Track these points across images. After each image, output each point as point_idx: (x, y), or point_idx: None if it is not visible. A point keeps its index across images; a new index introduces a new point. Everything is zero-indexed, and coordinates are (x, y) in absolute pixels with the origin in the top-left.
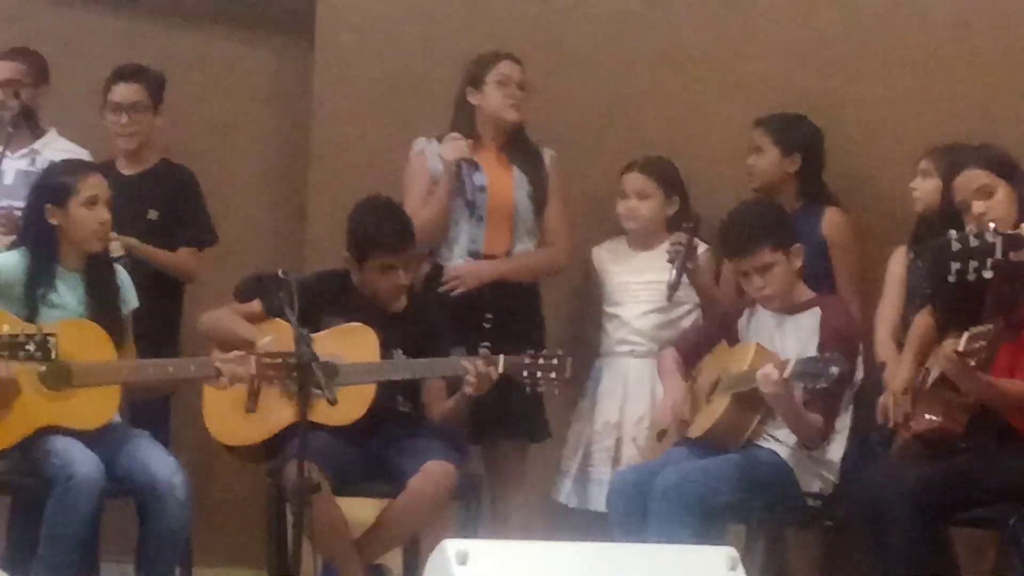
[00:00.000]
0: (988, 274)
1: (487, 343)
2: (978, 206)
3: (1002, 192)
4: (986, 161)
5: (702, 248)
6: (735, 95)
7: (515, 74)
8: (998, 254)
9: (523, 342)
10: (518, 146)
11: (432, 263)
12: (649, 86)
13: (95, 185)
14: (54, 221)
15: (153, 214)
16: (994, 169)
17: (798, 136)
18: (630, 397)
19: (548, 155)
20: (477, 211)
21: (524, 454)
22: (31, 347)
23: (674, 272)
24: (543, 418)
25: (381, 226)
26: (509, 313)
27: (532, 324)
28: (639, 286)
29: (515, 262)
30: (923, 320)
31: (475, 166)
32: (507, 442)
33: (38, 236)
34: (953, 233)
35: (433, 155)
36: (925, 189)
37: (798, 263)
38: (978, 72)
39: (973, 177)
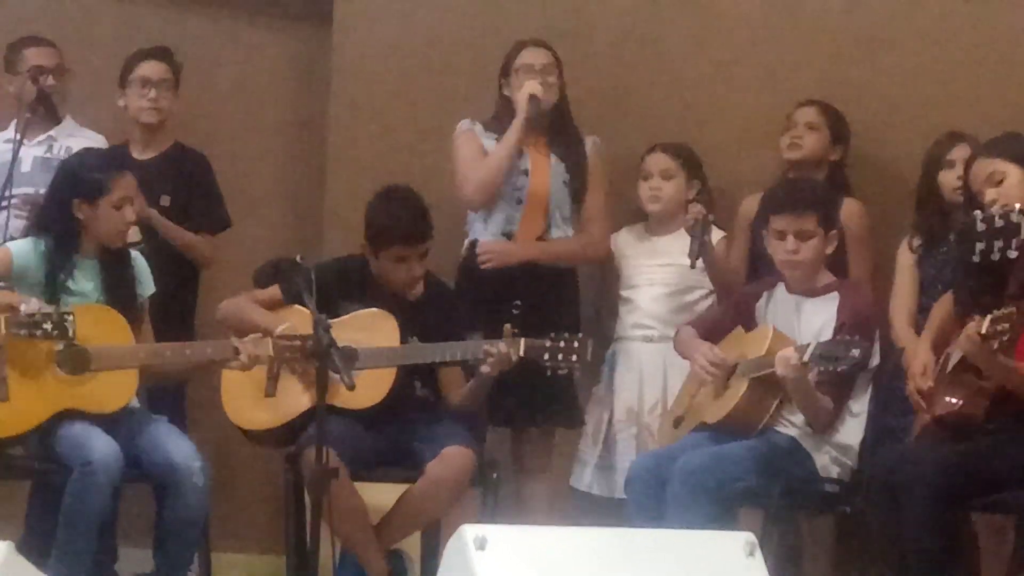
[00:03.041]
0: (1013, 254)
1: (508, 325)
2: (990, 194)
3: (1013, 176)
4: (994, 149)
5: (718, 235)
6: (755, 82)
7: (537, 60)
8: (1023, 234)
9: (557, 330)
10: (559, 133)
11: (471, 240)
12: (669, 73)
13: (127, 186)
14: (80, 215)
15: (165, 200)
16: (1003, 155)
17: (845, 130)
18: (645, 385)
19: (591, 142)
20: (517, 193)
21: (551, 441)
22: (48, 326)
23: (692, 244)
24: (576, 405)
25: (397, 218)
26: (542, 300)
27: (566, 311)
28: (653, 268)
29: (547, 246)
30: (942, 306)
31: (519, 151)
32: (536, 429)
33: (62, 227)
34: (978, 213)
35: (482, 133)
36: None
37: (830, 248)
38: (998, 60)
39: (983, 166)
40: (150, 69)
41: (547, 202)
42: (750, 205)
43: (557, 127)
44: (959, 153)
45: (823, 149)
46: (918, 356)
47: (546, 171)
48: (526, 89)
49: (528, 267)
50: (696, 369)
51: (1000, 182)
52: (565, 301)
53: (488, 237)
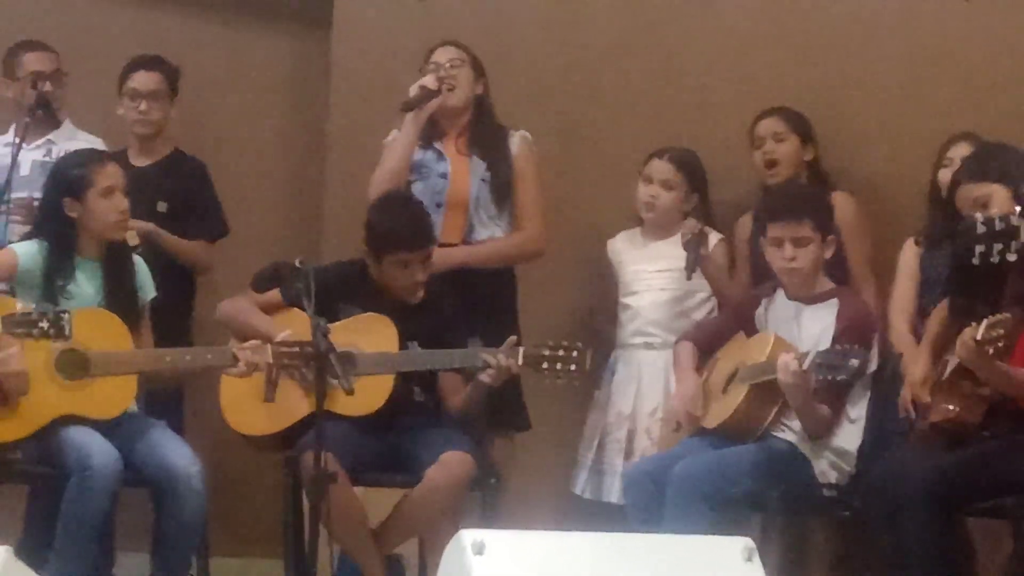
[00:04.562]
0: (1012, 257)
1: (513, 336)
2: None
3: (998, 196)
4: (976, 172)
5: (716, 237)
6: (744, 86)
7: (443, 57)
8: (1023, 237)
9: (492, 331)
10: (480, 131)
11: None
12: (659, 78)
13: (112, 174)
14: (72, 214)
15: (163, 206)
16: (986, 178)
17: (809, 127)
18: (644, 389)
19: (519, 138)
20: (436, 197)
21: (511, 447)
22: (44, 324)
23: (688, 258)
24: (523, 408)
25: (399, 224)
26: (476, 303)
27: (502, 314)
28: (652, 274)
29: (477, 250)
30: (940, 313)
31: (439, 154)
32: (494, 435)
33: (57, 229)
34: (979, 216)
35: None
36: None
37: (828, 254)
38: (988, 61)
39: (968, 191)
40: (140, 81)
41: (467, 204)
42: (745, 225)
43: (476, 125)
44: (957, 152)
45: (797, 155)
46: (919, 365)
47: (465, 172)
48: (419, 82)
49: (459, 271)
50: (671, 403)
51: (986, 205)
52: (501, 302)
53: None
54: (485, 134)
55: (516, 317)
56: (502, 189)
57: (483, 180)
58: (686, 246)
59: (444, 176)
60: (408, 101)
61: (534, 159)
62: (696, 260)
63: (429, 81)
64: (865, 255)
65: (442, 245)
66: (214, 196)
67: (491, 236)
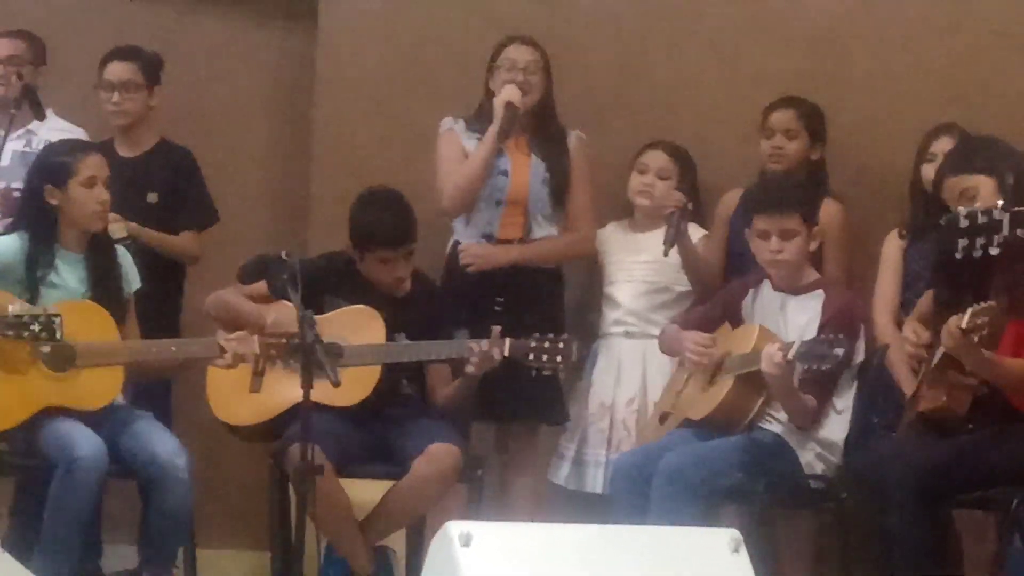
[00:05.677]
0: (995, 251)
1: (498, 327)
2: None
3: (985, 187)
4: (962, 165)
5: (700, 233)
6: (736, 80)
7: (521, 57)
8: (1005, 231)
9: (540, 328)
10: (540, 130)
11: (454, 241)
12: (651, 72)
13: (94, 165)
14: (53, 202)
15: (152, 196)
16: (971, 170)
17: (822, 126)
18: (622, 378)
19: (574, 137)
20: (497, 195)
21: (536, 436)
22: (36, 327)
23: (668, 231)
24: (560, 401)
25: (380, 221)
26: (525, 298)
27: (551, 310)
28: (634, 265)
29: (532, 248)
30: (927, 300)
31: (498, 150)
32: (519, 424)
33: (37, 217)
34: (962, 209)
35: (463, 132)
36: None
37: (815, 245)
38: (976, 55)
39: (954, 184)
40: (113, 72)
41: (527, 203)
42: (730, 200)
43: (539, 125)
44: (940, 146)
45: (803, 152)
46: (907, 323)
47: (526, 172)
48: (503, 96)
49: (511, 267)
50: (687, 355)
51: (973, 197)
52: (549, 299)
53: (469, 239)
54: (548, 135)
55: (564, 314)
56: (560, 190)
57: (543, 182)
58: (668, 218)
59: (505, 173)
60: (504, 129)
61: (587, 159)
62: (676, 234)
63: (514, 97)
64: (842, 267)
65: (500, 242)
66: (202, 184)
67: (545, 235)
